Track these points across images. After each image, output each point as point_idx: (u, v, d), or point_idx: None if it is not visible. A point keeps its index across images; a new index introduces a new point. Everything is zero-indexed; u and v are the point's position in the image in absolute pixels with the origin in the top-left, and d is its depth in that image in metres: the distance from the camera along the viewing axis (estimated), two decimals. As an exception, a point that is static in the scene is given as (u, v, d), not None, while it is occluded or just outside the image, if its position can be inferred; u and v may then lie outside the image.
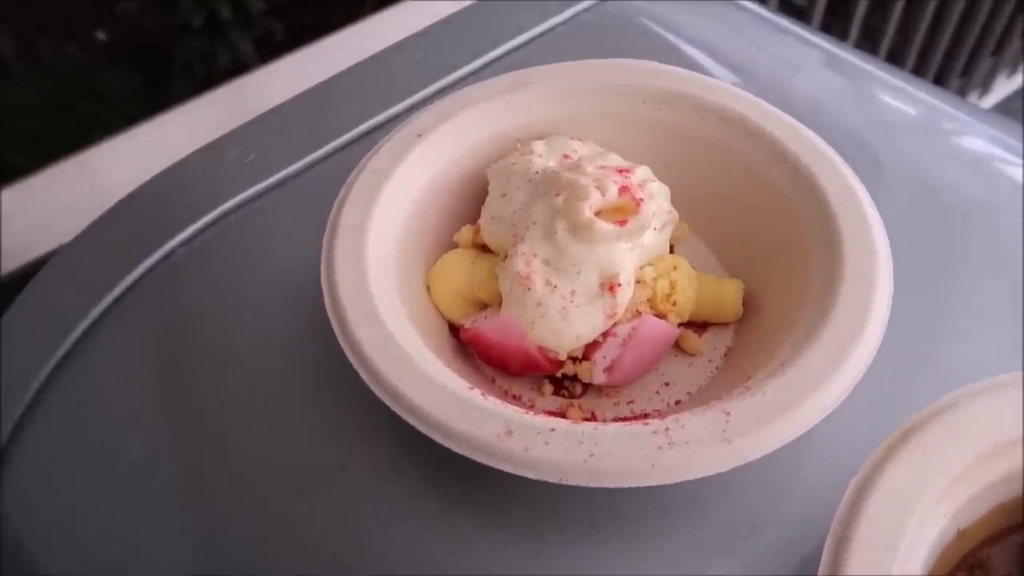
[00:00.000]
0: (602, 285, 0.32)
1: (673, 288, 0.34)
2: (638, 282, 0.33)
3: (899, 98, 0.47)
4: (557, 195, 0.33)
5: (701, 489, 0.30)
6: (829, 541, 0.25)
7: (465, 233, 0.36)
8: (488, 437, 0.28)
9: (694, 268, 0.36)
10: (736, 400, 0.28)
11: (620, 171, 0.34)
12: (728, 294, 0.35)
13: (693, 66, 0.39)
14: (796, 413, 0.27)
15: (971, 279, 0.38)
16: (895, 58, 1.31)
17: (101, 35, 1.63)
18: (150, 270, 0.40)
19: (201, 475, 0.34)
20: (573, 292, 0.32)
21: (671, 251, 0.36)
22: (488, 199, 0.36)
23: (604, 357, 0.33)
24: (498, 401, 0.29)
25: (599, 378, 0.33)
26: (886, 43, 1.26)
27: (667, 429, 0.27)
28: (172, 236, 0.41)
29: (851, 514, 0.25)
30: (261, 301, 0.38)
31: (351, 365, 0.30)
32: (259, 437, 0.34)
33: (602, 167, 0.34)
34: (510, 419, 0.28)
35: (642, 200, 0.33)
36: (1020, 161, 0.43)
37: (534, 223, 0.33)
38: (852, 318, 0.30)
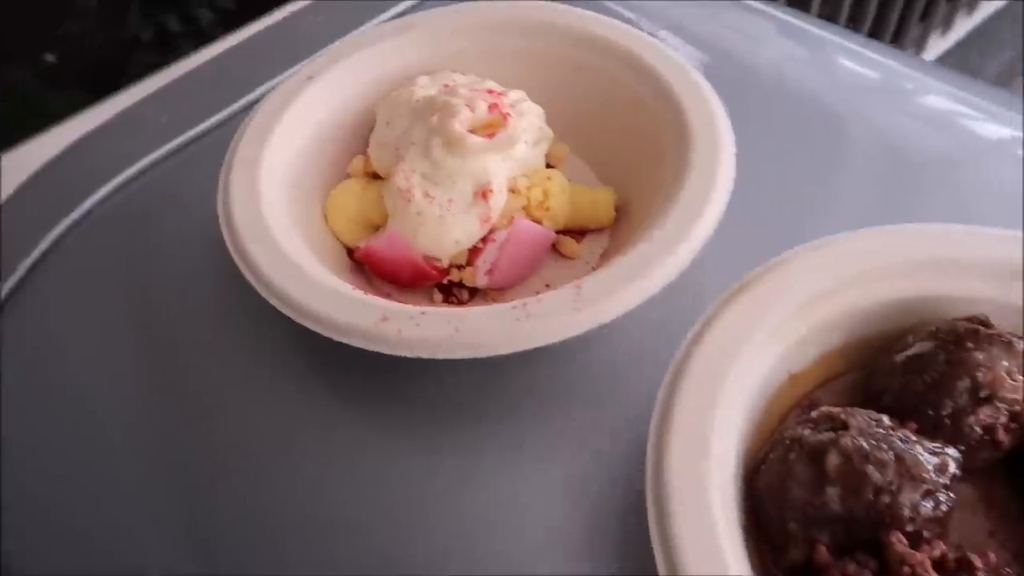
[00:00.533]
0: (476, 193, 0.35)
1: (546, 196, 0.37)
2: (512, 191, 0.36)
3: (859, 62, 0.49)
4: (432, 116, 0.36)
5: (563, 357, 0.33)
6: (667, 378, 0.28)
7: (356, 163, 0.39)
8: (366, 324, 0.30)
9: (575, 184, 0.39)
10: (589, 276, 0.31)
11: (491, 92, 0.37)
12: (601, 201, 0.38)
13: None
14: (640, 282, 0.30)
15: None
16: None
17: (50, 57, 1.65)
18: (77, 223, 0.42)
19: (129, 400, 0.36)
20: (450, 201, 0.35)
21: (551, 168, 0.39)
22: (375, 129, 0.39)
23: (485, 261, 0.36)
24: (376, 296, 0.32)
25: (482, 280, 0.36)
26: (814, 10, 1.30)
27: (525, 304, 0.30)
28: (93, 192, 0.43)
29: (686, 354, 0.28)
30: (179, 244, 0.41)
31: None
32: (181, 362, 0.37)
33: (475, 90, 0.37)
34: (385, 308, 0.31)
35: (509, 115, 0.36)
36: (979, 115, 0.45)
37: (413, 143, 0.36)
38: (693, 205, 0.32)
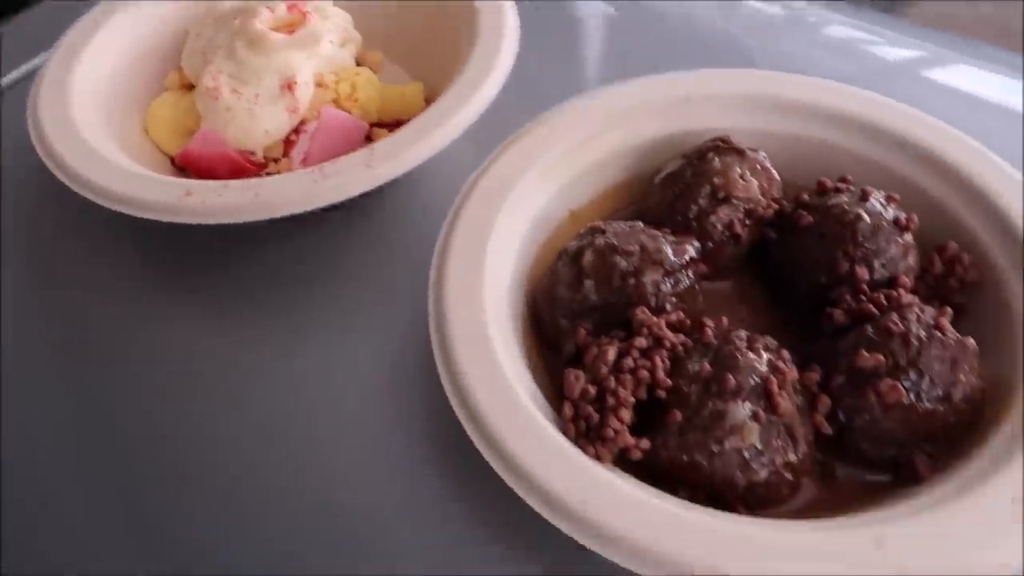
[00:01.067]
0: (282, 87, 0.37)
1: (354, 88, 0.39)
2: (319, 85, 0.38)
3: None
4: (235, 20, 0.38)
5: (361, 220, 0.36)
6: (448, 216, 0.30)
7: (172, 77, 0.41)
8: (171, 200, 0.32)
9: (386, 84, 0.41)
10: (381, 140, 0.34)
11: (293, -3, 0.39)
12: (409, 93, 0.41)
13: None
14: (426, 141, 0.33)
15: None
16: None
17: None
18: None
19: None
20: (257, 95, 0.37)
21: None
22: (186, 43, 0.40)
23: (299, 152, 0.38)
24: (181, 177, 0.34)
25: (297, 169, 0.38)
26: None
27: (322, 167, 0.33)
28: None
29: (466, 194, 0.31)
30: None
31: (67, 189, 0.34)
32: (16, 272, 0.37)
33: (279, -2, 0.39)
34: (189, 184, 0.33)
35: (308, 13, 0.38)
36: (881, 40, 0.48)
37: (219, 47, 0.38)
38: (472, 79, 0.35)
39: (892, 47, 0.48)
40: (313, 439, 0.31)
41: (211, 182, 0.33)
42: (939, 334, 0.25)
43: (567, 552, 0.24)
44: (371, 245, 0.36)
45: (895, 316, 0.26)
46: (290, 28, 0.38)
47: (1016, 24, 1.03)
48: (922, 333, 0.25)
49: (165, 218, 0.32)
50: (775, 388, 0.25)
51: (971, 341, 0.25)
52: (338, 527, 0.28)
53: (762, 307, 0.31)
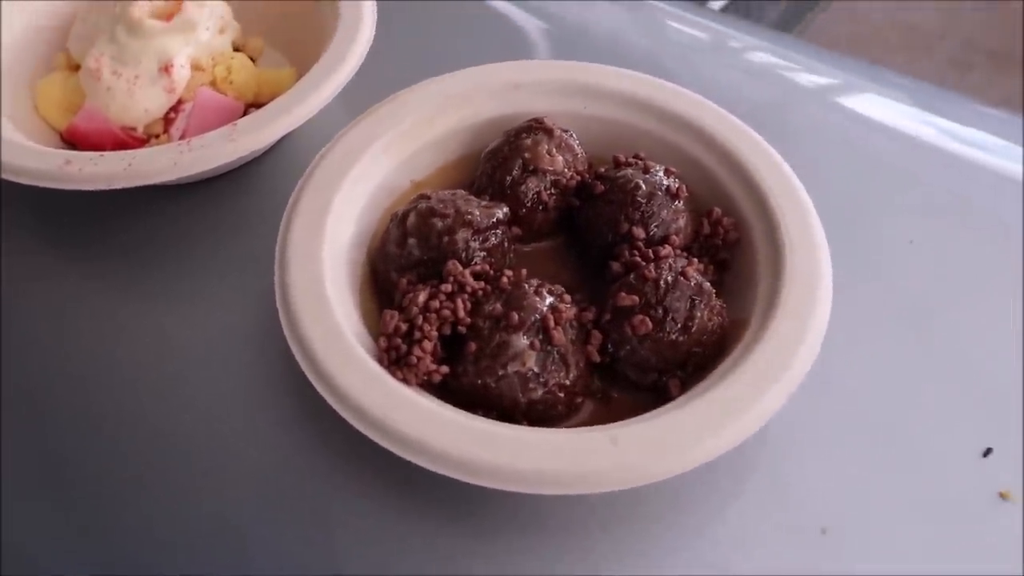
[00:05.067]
0: (160, 69, 0.41)
1: (230, 72, 0.43)
2: (196, 68, 0.42)
3: (687, 24, 0.54)
4: (116, 7, 0.42)
5: (229, 189, 0.40)
6: (298, 184, 0.35)
7: (59, 58, 0.44)
8: (52, 168, 0.36)
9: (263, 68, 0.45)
10: (244, 117, 0.38)
11: (172, -13, 0.43)
12: (284, 77, 0.45)
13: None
14: (285, 118, 0.38)
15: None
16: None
17: None
18: None
19: None
20: (136, 76, 0.41)
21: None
22: (73, 26, 0.44)
23: (177, 129, 0.42)
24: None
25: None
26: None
27: (189, 141, 0.37)
28: None
29: (315, 165, 0.36)
30: None
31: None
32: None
33: (159, -13, 0.43)
34: (68, 154, 0.37)
35: (184, 2, 0.42)
36: (798, 67, 0.50)
37: (102, 31, 0.42)
38: (332, 62, 0.40)
39: (810, 75, 0.51)
40: (176, 383, 0.35)
41: (89, 153, 0.37)
42: (683, 279, 0.31)
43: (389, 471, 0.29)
44: (238, 213, 0.40)
45: (652, 266, 0.31)
46: (169, 16, 0.42)
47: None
48: (670, 278, 0.31)
49: (46, 184, 0.36)
50: (551, 323, 0.30)
51: (707, 285, 0.31)
52: (190, 451, 0.33)
53: (569, 264, 0.37)
